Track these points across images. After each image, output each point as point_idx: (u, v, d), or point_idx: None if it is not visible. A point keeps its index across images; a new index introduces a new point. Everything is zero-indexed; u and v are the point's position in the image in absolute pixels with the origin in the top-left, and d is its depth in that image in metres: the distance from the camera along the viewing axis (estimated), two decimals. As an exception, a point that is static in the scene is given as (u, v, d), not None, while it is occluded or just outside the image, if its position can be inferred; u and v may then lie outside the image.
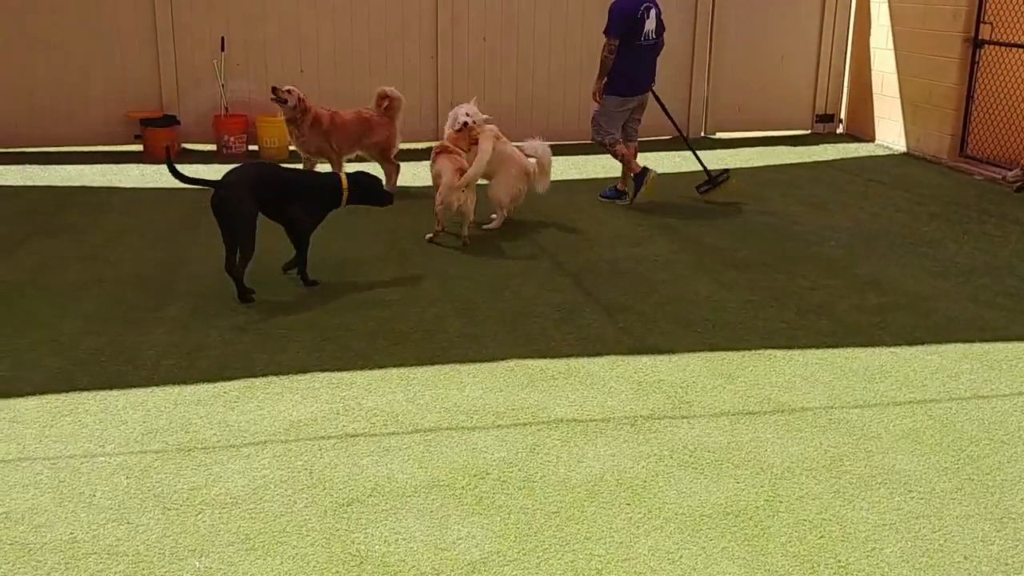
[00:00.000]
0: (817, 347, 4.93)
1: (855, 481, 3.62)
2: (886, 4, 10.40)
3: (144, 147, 9.58)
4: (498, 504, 3.45)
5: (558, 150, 9.73)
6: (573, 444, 3.90)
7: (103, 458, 3.74)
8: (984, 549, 3.20)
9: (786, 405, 4.27)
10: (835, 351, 4.88)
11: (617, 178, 8.16)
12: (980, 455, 3.82)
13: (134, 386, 4.37)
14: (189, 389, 4.35)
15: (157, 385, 4.39)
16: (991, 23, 9.10)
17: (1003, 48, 9.00)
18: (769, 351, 4.88)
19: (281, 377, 4.49)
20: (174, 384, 4.40)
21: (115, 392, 4.31)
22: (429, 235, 6.77)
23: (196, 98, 9.78)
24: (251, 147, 9.74)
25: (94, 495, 3.48)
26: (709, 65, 10.90)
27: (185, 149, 9.72)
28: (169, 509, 3.39)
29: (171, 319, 5.21)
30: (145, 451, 3.80)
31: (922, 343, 4.98)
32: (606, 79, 7.64)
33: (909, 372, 4.62)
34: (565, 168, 9.29)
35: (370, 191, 5.97)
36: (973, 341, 4.99)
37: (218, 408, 4.17)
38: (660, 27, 7.73)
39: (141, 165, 9.14)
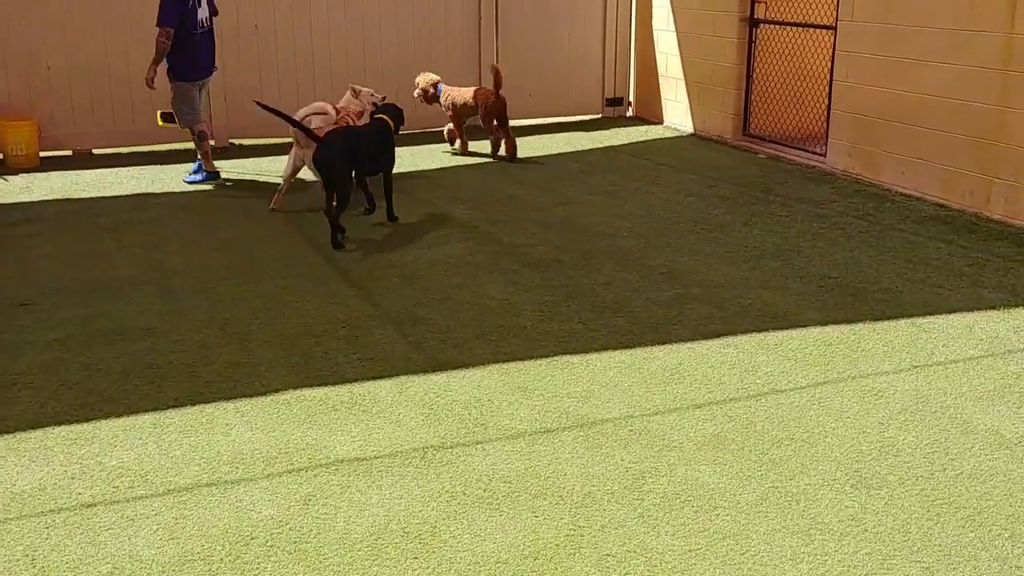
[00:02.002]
0: (615, 348, 4.71)
1: (659, 502, 3.37)
2: (666, -14, 10.47)
3: None
4: (264, 576, 2.96)
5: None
6: (355, 489, 3.45)
7: None
8: (793, 568, 3.01)
9: (585, 418, 3.99)
10: (633, 351, 4.67)
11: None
12: (782, 458, 3.67)
13: None
14: None
15: None
16: (765, 2, 9.29)
17: (777, 27, 9.20)
18: (566, 357, 4.60)
19: (5, 437, 3.79)
20: None
21: None
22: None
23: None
24: (-7, 155, 8.62)
25: None
26: (496, 51, 10.63)
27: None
28: None
29: None
30: None
31: (718, 335, 4.86)
32: (174, 66, 7.85)
33: (707, 369, 4.47)
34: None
35: (398, 113, 7.08)
36: (767, 330, 4.91)
37: (-79, 486, 3.44)
38: (213, 12, 8.08)
39: None
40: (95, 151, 8.97)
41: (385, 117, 6.96)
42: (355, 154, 6.52)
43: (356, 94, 7.68)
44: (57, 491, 3.40)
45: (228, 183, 8.20)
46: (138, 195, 7.81)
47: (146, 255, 6.17)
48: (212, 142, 8.62)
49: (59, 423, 3.90)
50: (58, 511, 3.28)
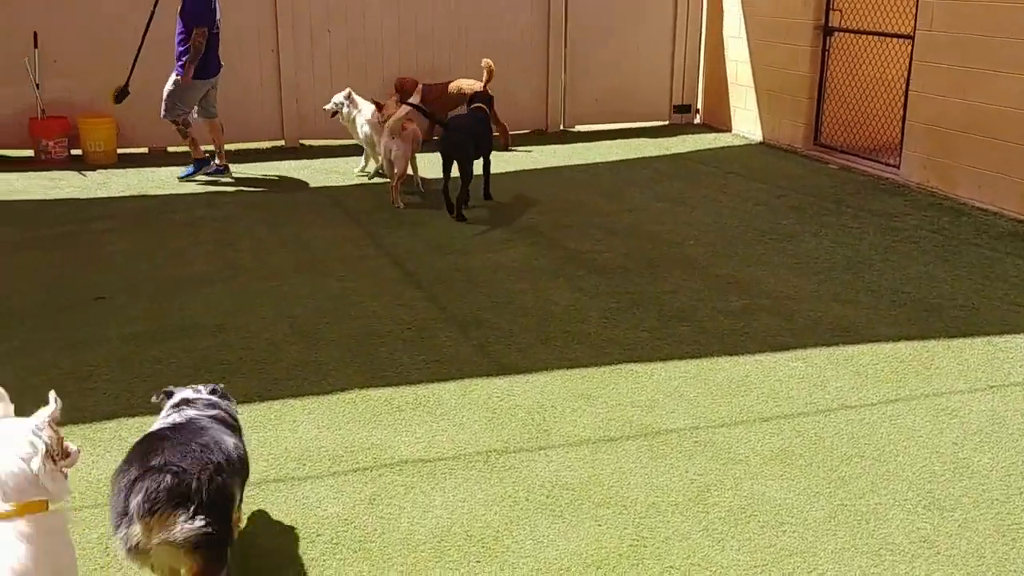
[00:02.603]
0: (680, 358, 4.66)
1: (724, 515, 3.33)
2: (737, -7, 10.36)
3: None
4: (328, 574, 2.99)
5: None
6: (419, 490, 3.48)
7: None
8: (861, 588, 2.95)
9: (649, 427, 3.96)
10: (698, 361, 4.62)
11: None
12: (851, 476, 3.60)
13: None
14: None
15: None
16: (840, 10, 9.13)
17: (852, 35, 9.04)
18: (631, 365, 4.57)
19: (82, 426, 3.89)
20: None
21: None
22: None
23: (7, 100, 8.82)
24: (74, 151, 8.88)
25: None
26: (565, 57, 10.63)
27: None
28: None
29: (-43, 360, 4.51)
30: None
31: (787, 348, 4.78)
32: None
33: (775, 383, 4.40)
34: (423, 166, 8.85)
35: (489, 101, 7.86)
36: (837, 344, 4.82)
37: (1, 471, 3.54)
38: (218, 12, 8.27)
39: (-55, 175, 8.19)
40: (170, 149, 9.18)
41: (483, 106, 7.58)
42: (476, 139, 7.21)
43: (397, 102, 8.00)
44: (130, 481, 3.48)
45: (219, 168, 8.41)
46: (211, 193, 7.97)
47: (218, 252, 6.29)
48: (282, 142, 8.76)
49: (132, 415, 4.00)
50: (131, 501, 3.36)
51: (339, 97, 8.32)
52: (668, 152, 9.76)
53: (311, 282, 5.70)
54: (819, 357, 4.68)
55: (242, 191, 8.04)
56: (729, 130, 10.72)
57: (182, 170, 8.37)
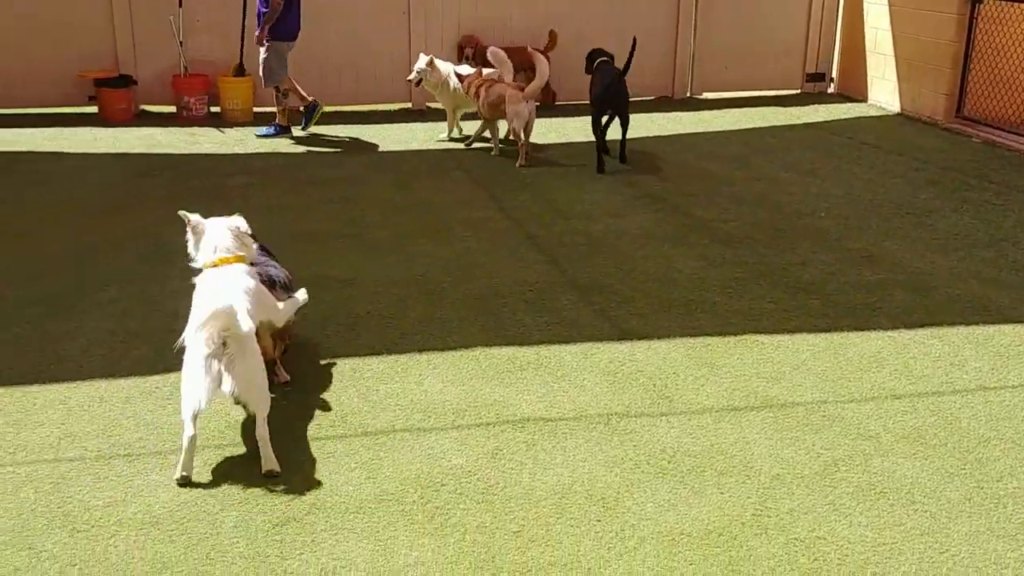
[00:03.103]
0: (808, 331, 4.55)
1: (852, 491, 3.25)
2: (881, -43, 9.90)
3: (99, 109, 9.06)
4: (452, 522, 3.07)
5: (539, 111, 9.31)
6: (540, 448, 3.51)
7: (11, 468, 3.33)
8: (996, 573, 2.84)
9: (775, 400, 3.89)
10: (828, 335, 4.50)
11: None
12: (989, 458, 3.45)
13: (57, 380, 3.96)
14: (118, 384, 3.94)
15: (83, 379, 3.97)
16: (992, -24, 8.63)
17: (1003, 3, 8.53)
18: (756, 336, 4.49)
19: (221, 370, 4.06)
20: (102, 378, 3.99)
21: (35, 388, 3.89)
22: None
23: (153, 57, 9.23)
24: (213, 108, 9.22)
25: (-4, 514, 3.08)
26: (695, 22, 10.40)
27: (143, 111, 9.19)
28: (78, 531, 2.99)
29: (108, 303, 4.78)
30: (59, 459, 3.39)
31: (922, 326, 4.60)
32: (272, 27, 8.10)
33: (909, 360, 4.25)
34: (544, 131, 8.84)
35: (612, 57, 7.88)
36: (977, 324, 4.61)
37: (147, 407, 3.76)
38: None
39: (94, 128, 8.64)
40: (302, 109, 9.43)
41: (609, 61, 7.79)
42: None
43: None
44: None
45: (297, 139, 8.50)
46: (338, 153, 8.16)
47: (345, 210, 6.45)
48: (409, 104, 8.88)
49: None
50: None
51: (421, 64, 8.21)
52: (799, 121, 9.46)
53: (435, 241, 5.79)
54: (956, 336, 4.49)
55: (369, 152, 8.20)
56: (865, 100, 10.30)
57: (261, 128, 8.60)
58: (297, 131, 8.58)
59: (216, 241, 3.75)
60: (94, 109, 9.09)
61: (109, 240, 5.74)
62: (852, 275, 5.24)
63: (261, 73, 8.33)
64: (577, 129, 8.96)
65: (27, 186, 6.90)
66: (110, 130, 8.57)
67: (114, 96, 8.89)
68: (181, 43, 9.06)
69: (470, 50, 9.40)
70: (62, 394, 3.84)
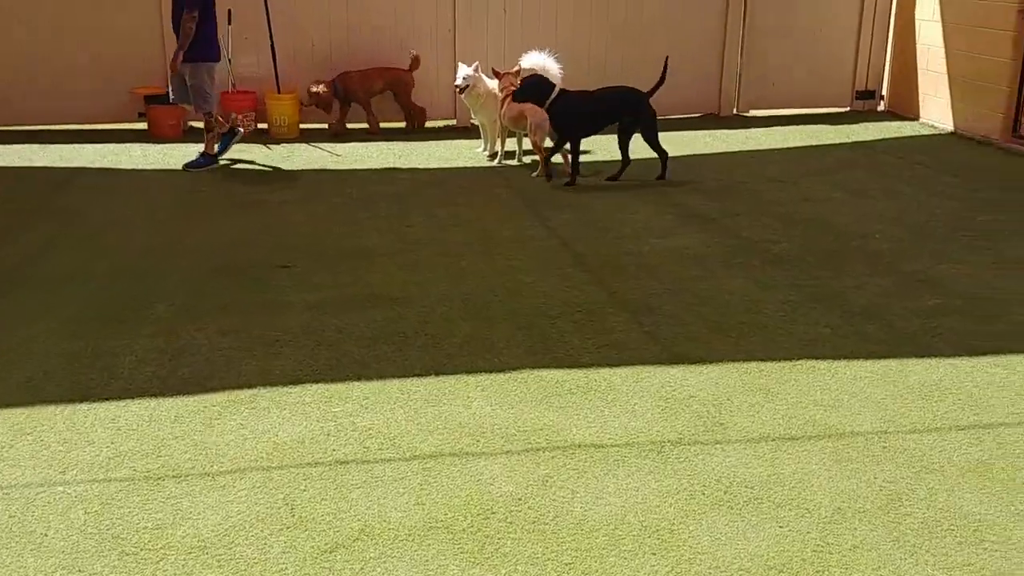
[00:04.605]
0: (866, 357, 4.43)
1: (917, 527, 3.13)
2: (934, -27, 9.74)
3: (149, 125, 9.17)
4: (504, 551, 3.00)
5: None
6: (591, 475, 3.44)
7: (62, 487, 3.33)
8: (1075, 619, 2.71)
9: (834, 429, 3.78)
10: (886, 362, 4.38)
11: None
12: (1061, 495, 3.32)
13: (107, 398, 3.96)
14: (167, 403, 3.93)
15: (132, 397, 3.97)
16: (1050, -7, 8.44)
17: (1063, 20, 8.34)
18: (812, 361, 4.38)
19: (269, 389, 4.05)
20: (151, 396, 3.98)
21: (85, 406, 3.89)
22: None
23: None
24: (260, 125, 9.29)
25: (46, 534, 3.07)
26: (742, 37, 10.29)
27: (192, 128, 9.28)
28: (127, 554, 2.97)
29: (158, 319, 4.79)
30: (110, 479, 3.38)
31: (984, 353, 4.46)
32: (197, 47, 7.72)
33: (972, 389, 4.11)
34: (585, 149, 8.79)
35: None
36: (1042, 352, 4.46)
37: (196, 426, 3.74)
38: None
39: (144, 144, 8.74)
40: (349, 126, 9.47)
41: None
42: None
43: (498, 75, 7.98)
44: (314, 446, 3.60)
45: (234, 164, 8.15)
46: (385, 169, 8.16)
47: (393, 227, 6.43)
48: (454, 121, 8.89)
49: (316, 381, 4.13)
50: (314, 465, 3.47)
51: (467, 71, 7.94)
52: (849, 140, 9.31)
53: (482, 259, 5.74)
54: (1022, 364, 4.34)
55: (416, 169, 8.19)
56: (916, 118, 10.12)
57: (191, 158, 7.97)
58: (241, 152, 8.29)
59: None
60: (144, 125, 9.20)
61: (159, 255, 5.77)
62: (909, 299, 5.11)
63: (193, 99, 7.89)
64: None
65: (81, 202, 6.98)
66: (159, 146, 8.66)
67: (164, 113, 8.99)
68: (230, 60, 9.14)
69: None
70: (112, 412, 3.84)
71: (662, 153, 7.58)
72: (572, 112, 7.44)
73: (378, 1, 9.59)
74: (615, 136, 7.57)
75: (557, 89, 7.47)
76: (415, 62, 9.22)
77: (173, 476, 3.40)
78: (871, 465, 3.51)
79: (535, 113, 7.50)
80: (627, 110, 7.48)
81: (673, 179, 7.65)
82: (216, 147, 8.10)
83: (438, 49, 9.69)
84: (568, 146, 7.55)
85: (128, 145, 8.71)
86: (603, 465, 3.51)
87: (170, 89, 8.11)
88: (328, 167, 8.19)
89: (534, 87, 7.47)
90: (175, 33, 7.81)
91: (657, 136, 7.53)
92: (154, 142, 8.81)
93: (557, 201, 7.08)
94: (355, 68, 9.23)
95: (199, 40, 7.74)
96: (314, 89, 8.97)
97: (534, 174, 7.64)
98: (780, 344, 4.57)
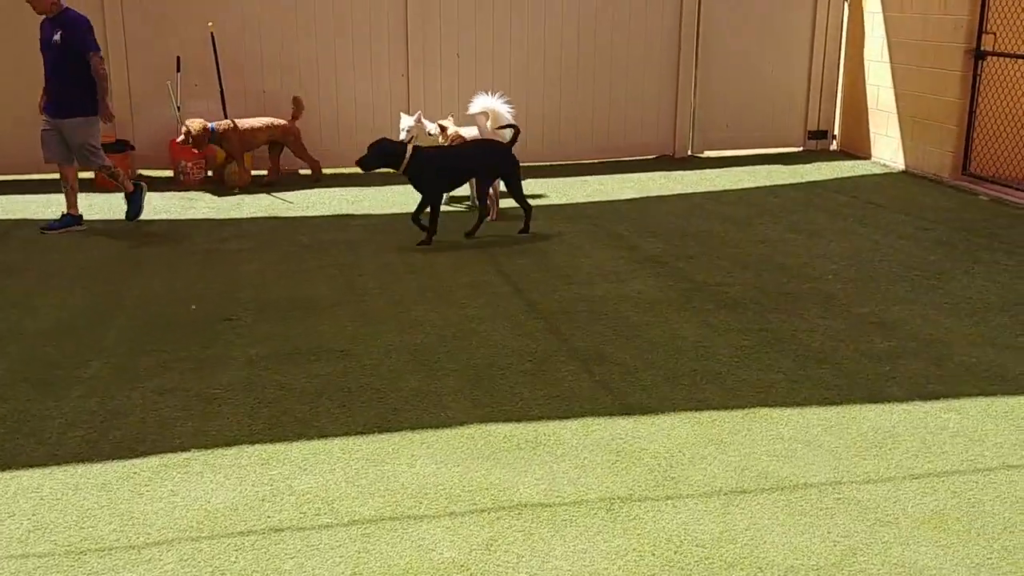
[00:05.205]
0: (818, 403, 4.36)
1: (872, 584, 3.04)
2: (881, 15, 9.89)
3: (94, 175, 8.98)
4: (443, 624, 2.86)
5: (535, 172, 9.23)
6: (538, 537, 3.31)
7: (-24, 565, 3.14)
8: None
9: (786, 480, 3.69)
10: (839, 408, 4.31)
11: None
12: (1017, 546, 3.24)
13: (31, 466, 3.77)
14: (95, 469, 3.75)
15: (59, 464, 3.79)
16: (994, 33, 8.58)
17: (1007, 59, 8.47)
18: (765, 410, 4.30)
19: (204, 452, 3.89)
20: (78, 462, 3.80)
21: (7, 475, 3.70)
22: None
23: (150, 122, 9.18)
24: (209, 173, 9.15)
25: (-45, 618, 2.88)
26: (695, 80, 10.36)
27: (140, 176, 9.11)
28: (41, 638, 2.79)
29: (92, 378, 4.61)
30: (28, 554, 3.19)
31: (937, 397, 4.41)
32: (85, 100, 7.02)
33: (925, 435, 4.05)
34: (543, 193, 8.75)
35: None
36: (996, 395, 4.42)
37: (124, 494, 3.56)
38: None
39: (91, 194, 8.55)
40: (300, 171, 9.36)
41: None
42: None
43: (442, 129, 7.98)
44: (248, 512, 3.44)
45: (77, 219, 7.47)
46: (339, 216, 8.05)
47: (343, 276, 6.31)
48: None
49: (254, 442, 3.97)
50: (247, 533, 3.31)
51: (409, 121, 7.90)
52: (802, 180, 9.36)
53: (434, 308, 5.63)
54: (975, 408, 4.29)
55: (370, 215, 8.09)
56: (868, 158, 10.22)
57: (48, 221, 7.41)
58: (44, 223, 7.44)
59: None
60: (91, 175, 9.02)
61: (98, 311, 5.59)
62: (863, 342, 5.07)
63: (89, 157, 7.26)
64: (576, 189, 8.88)
65: (21, 255, 6.79)
66: (106, 196, 8.49)
67: (112, 161, 8.81)
68: (179, 108, 9.01)
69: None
70: (36, 481, 3.65)
71: (526, 207, 7.28)
72: (430, 169, 6.99)
73: (331, 46, 9.53)
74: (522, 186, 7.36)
75: (411, 148, 7.02)
76: (297, 108, 8.95)
77: (96, 549, 3.22)
78: (824, 518, 3.41)
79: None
80: (488, 164, 7.17)
81: (626, 223, 7.61)
82: (129, 209, 7.59)
83: (392, 93, 9.65)
84: (439, 202, 7.17)
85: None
86: (550, 526, 3.38)
87: (42, 145, 7.24)
88: (280, 214, 8.06)
89: (383, 150, 6.97)
90: (52, 83, 7.06)
91: (521, 188, 7.24)
92: (102, 191, 8.62)
93: (512, 245, 7.00)
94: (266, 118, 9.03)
95: (87, 91, 7.04)
96: (186, 127, 8.54)
97: (490, 218, 7.55)
98: (733, 392, 4.49)
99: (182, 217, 7.95)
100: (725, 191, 8.88)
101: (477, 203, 7.48)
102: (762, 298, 5.80)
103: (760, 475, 3.73)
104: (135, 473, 3.72)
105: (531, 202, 7.52)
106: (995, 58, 8.60)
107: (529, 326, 5.35)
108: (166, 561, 3.15)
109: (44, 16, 7.12)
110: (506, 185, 7.29)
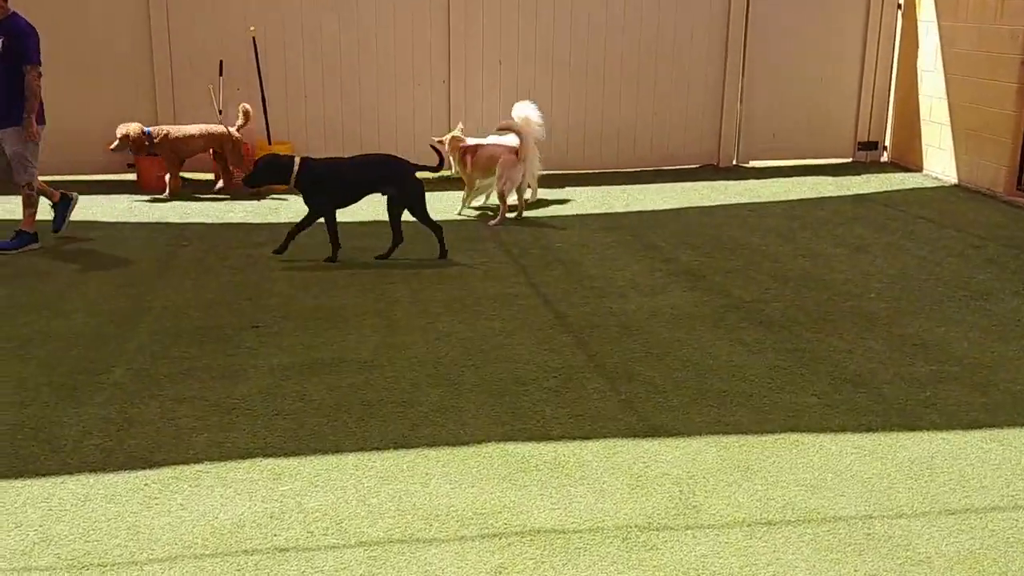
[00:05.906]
0: (853, 430, 4.18)
1: (898, 630, 2.87)
2: (935, 24, 9.59)
3: (137, 177, 9.06)
4: (443, 656, 2.75)
5: (574, 180, 9.13)
6: (549, 566, 3.19)
7: (-21, 577, 3.11)
8: None
9: (815, 512, 3.52)
10: (875, 436, 4.12)
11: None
12: (1058, 593, 3.05)
13: (44, 474, 3.75)
14: (106, 479, 3.71)
15: (71, 473, 3.76)
16: (1053, 44, 8.27)
17: (1067, 71, 8.16)
18: (796, 435, 4.13)
19: (216, 464, 3.83)
20: (91, 472, 3.77)
21: (19, 483, 3.68)
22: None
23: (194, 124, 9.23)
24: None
25: (-47, 631, 2.85)
26: (742, 89, 10.15)
27: (182, 179, 9.17)
28: (34, 657, 2.74)
29: (113, 385, 4.59)
30: (31, 567, 3.16)
31: (980, 427, 4.20)
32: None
33: (965, 467, 3.85)
34: (582, 201, 8.63)
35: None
36: (1042, 426, 4.20)
37: (133, 507, 3.52)
38: None
39: (132, 196, 8.62)
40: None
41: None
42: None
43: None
44: (254, 530, 3.37)
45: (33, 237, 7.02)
46: (368, 223, 7.97)
47: (372, 284, 6.24)
48: (449, 172, 8.70)
49: (268, 455, 3.91)
50: (251, 552, 3.24)
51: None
52: (850, 192, 9.11)
53: (461, 320, 5.54)
54: (1019, 439, 4.08)
55: (405, 222, 8.00)
56: (920, 170, 9.92)
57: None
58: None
59: None
60: (132, 176, 9.10)
61: (123, 317, 5.58)
62: (903, 366, 4.86)
63: (13, 166, 6.81)
64: (615, 198, 8.74)
65: (57, 257, 6.84)
66: (146, 199, 8.54)
67: (152, 164, 8.88)
68: (220, 111, 9.05)
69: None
70: (46, 491, 3.63)
71: (435, 228, 6.83)
72: (320, 183, 6.68)
73: (374, 51, 9.51)
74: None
75: (298, 160, 6.68)
76: (245, 118, 8.67)
77: (99, 564, 3.17)
78: (852, 555, 3.25)
79: (508, 166, 7.54)
80: (387, 181, 6.76)
81: (664, 233, 7.45)
82: (53, 222, 7.24)
83: (432, 101, 9.60)
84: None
85: (114, 197, 8.60)
86: (563, 554, 3.26)
87: None
88: (317, 221, 8.01)
89: (268, 167, 6.76)
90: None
91: (426, 210, 6.80)
92: (142, 194, 8.69)
93: (545, 255, 6.89)
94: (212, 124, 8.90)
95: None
96: (122, 131, 8.35)
97: (491, 223, 7.57)
98: (764, 415, 4.33)
99: (220, 221, 7.96)
100: (769, 203, 8.67)
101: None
102: (800, 316, 5.61)
103: (786, 505, 3.57)
104: (146, 485, 3.67)
105: (557, 207, 7.41)
106: (1054, 69, 8.28)
107: (557, 340, 5.23)
108: (167, 579, 3.09)
109: None
110: (410, 208, 6.78)
